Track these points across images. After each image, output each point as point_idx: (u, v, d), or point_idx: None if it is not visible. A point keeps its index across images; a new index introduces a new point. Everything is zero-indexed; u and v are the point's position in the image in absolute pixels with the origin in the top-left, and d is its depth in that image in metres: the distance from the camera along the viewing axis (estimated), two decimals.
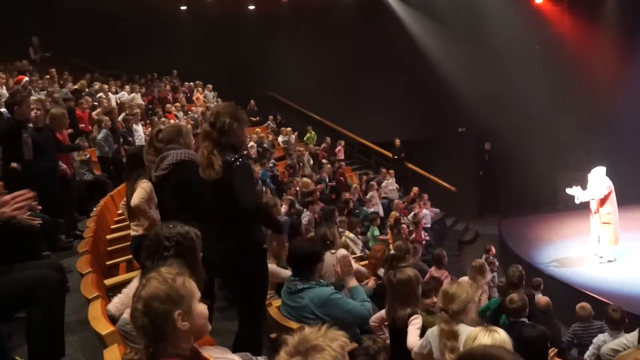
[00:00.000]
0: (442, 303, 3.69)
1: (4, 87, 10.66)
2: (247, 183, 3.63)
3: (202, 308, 2.07)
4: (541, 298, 7.85)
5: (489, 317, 6.83)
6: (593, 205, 12.05)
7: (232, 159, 3.57)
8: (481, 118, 17.90)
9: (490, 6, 17.38)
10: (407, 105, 18.87)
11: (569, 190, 12.41)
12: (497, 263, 11.65)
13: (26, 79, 11.67)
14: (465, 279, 7.52)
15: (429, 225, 14.74)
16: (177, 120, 14.07)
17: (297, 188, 11.70)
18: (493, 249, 11.66)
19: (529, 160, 17.52)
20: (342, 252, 5.03)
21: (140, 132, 11.75)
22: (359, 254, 9.74)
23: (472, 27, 17.60)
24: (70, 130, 9.19)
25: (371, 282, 6.04)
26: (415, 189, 16.14)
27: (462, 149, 19.31)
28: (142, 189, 4.68)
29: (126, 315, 2.77)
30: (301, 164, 14.77)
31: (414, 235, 12.39)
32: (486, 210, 19.78)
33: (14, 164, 5.87)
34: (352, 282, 4.18)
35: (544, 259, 12.71)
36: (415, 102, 18.79)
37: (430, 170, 18.60)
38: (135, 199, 4.67)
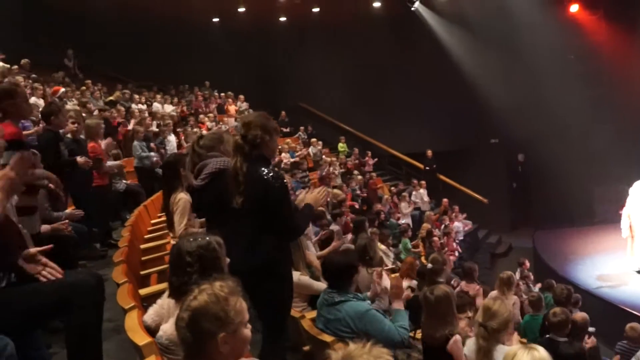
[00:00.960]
0: (483, 318, 3.59)
1: (41, 98, 10.84)
2: (289, 204, 3.62)
3: (247, 333, 2.03)
4: (578, 314, 7.64)
5: (525, 333, 6.69)
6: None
7: (270, 177, 3.51)
8: (514, 129, 17.59)
9: (524, 15, 17.09)
10: (438, 116, 18.73)
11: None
12: (532, 277, 11.44)
13: (62, 90, 11.88)
14: (494, 293, 7.40)
15: (460, 238, 14.59)
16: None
17: (328, 199, 11.64)
18: (527, 263, 11.45)
19: (564, 172, 17.15)
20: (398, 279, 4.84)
21: (173, 142, 11.85)
22: (390, 266, 9.63)
23: (506, 37, 17.34)
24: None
25: (406, 294, 5.95)
26: (445, 201, 16.00)
27: (494, 161, 19.06)
28: (181, 212, 4.71)
29: (162, 332, 2.75)
30: (332, 175, 14.73)
31: (445, 248, 12.26)
32: (519, 222, 19.44)
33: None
34: (399, 305, 4.14)
35: (580, 274, 12.40)
36: (447, 113, 18.63)
37: (462, 182, 18.42)
38: (179, 227, 4.72)
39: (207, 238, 2.77)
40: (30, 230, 4.01)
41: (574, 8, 18.69)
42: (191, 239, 2.77)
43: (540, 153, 17.51)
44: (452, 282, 8.03)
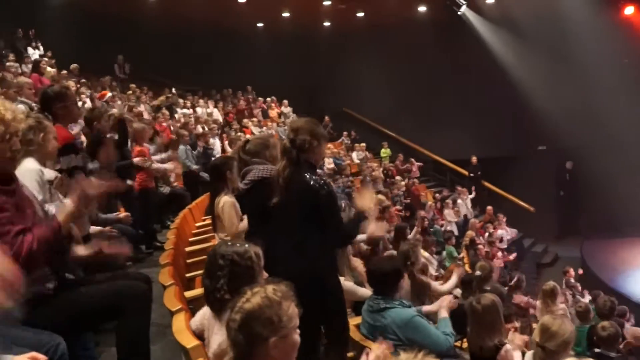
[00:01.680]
0: (541, 339, 3.46)
1: (88, 101, 11.07)
2: (337, 212, 3.58)
3: (297, 339, 2.02)
4: (631, 329, 7.40)
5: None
6: None
7: (315, 184, 3.47)
8: (563, 135, 17.18)
9: (575, 19, 16.64)
10: (484, 122, 18.48)
11: None
12: (579, 287, 11.15)
13: (109, 94, 12.11)
14: (538, 304, 7.23)
15: (505, 246, 14.34)
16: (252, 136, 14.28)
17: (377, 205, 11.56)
18: (571, 271, 11.17)
19: (614, 180, 16.63)
20: (449, 297, 4.70)
21: (217, 147, 11.97)
22: (434, 273, 9.52)
23: (555, 40, 16.94)
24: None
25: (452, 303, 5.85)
26: (489, 208, 15.76)
27: (541, 168, 18.62)
28: (230, 214, 4.73)
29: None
30: (375, 180, 14.66)
31: (490, 256, 12.05)
32: (567, 232, 18.94)
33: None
34: (444, 314, 4.12)
35: (631, 285, 12.02)
36: (493, 119, 18.36)
37: (508, 189, 18.11)
38: (232, 228, 4.74)
39: (246, 246, 2.70)
40: (81, 232, 4.08)
41: (629, 10, 18.12)
42: (229, 243, 2.72)
43: (590, 161, 17.02)
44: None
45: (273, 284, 2.04)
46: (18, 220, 2.59)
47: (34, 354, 2.11)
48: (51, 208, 3.44)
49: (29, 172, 3.44)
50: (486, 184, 18.17)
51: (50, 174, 3.78)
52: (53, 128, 3.90)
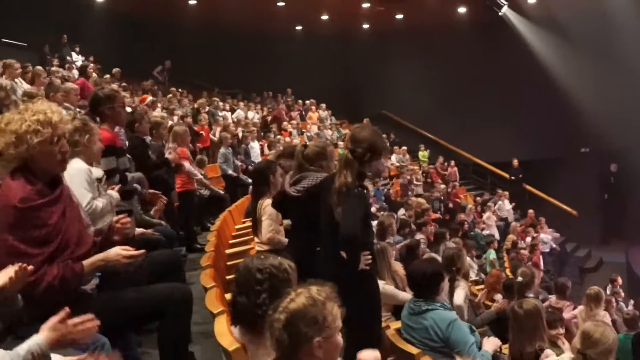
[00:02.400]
0: (582, 345, 3.38)
1: (129, 106, 11.25)
2: (353, 211, 3.47)
3: (339, 341, 2.02)
4: None
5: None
6: None
7: (349, 188, 3.47)
8: (607, 138, 16.75)
9: (620, 18, 16.22)
10: (525, 124, 18.19)
11: None
12: (622, 294, 10.89)
13: (150, 98, 12.30)
14: (581, 309, 7.08)
15: (547, 251, 14.10)
16: (291, 138, 14.34)
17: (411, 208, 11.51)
18: (619, 280, 10.90)
19: None
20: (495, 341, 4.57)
21: (256, 149, 12.06)
22: (474, 277, 9.42)
23: (599, 40, 16.54)
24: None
25: (495, 306, 5.78)
26: (531, 212, 15.51)
27: (585, 171, 18.19)
28: (269, 218, 4.74)
29: None
30: (414, 183, 14.58)
31: (532, 261, 11.85)
32: (611, 236, 18.49)
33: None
34: (488, 348, 3.95)
35: None
36: (534, 120, 18.04)
37: (550, 193, 17.81)
38: (265, 232, 4.75)
39: (279, 259, 2.60)
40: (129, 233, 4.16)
41: None
42: (261, 257, 2.62)
43: (635, 163, 16.56)
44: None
45: (317, 285, 2.04)
46: (59, 229, 2.65)
47: (84, 356, 2.17)
48: (99, 203, 3.54)
49: (78, 171, 3.52)
50: (527, 187, 17.87)
51: (97, 172, 3.87)
52: (98, 130, 3.98)
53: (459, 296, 5.30)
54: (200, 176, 8.11)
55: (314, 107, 18.88)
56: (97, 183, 3.71)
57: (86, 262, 2.73)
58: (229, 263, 5.89)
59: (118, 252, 2.83)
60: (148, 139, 6.90)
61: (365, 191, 3.68)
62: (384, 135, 18.49)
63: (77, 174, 3.47)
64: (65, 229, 2.69)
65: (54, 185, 2.77)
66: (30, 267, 2.40)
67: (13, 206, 2.55)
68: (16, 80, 8.44)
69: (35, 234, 2.57)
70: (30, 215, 2.58)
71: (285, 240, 4.66)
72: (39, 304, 2.56)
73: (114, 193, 3.92)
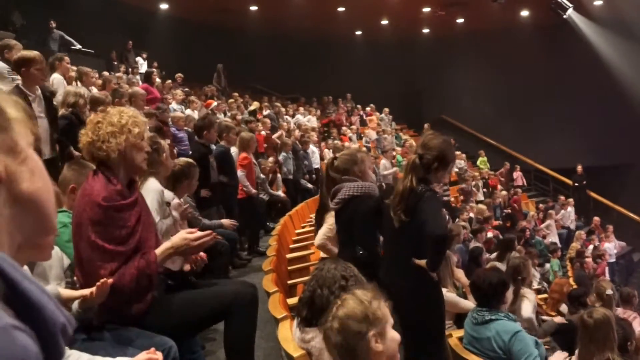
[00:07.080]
0: None
1: (195, 110, 11.52)
2: (438, 211, 3.54)
3: (395, 334, 2.05)
4: None
5: None
6: None
7: (422, 190, 3.50)
8: None
9: None
10: (590, 129, 17.71)
11: None
12: None
13: (215, 103, 12.50)
14: None
15: (613, 260, 13.66)
16: (350, 143, 14.34)
17: (471, 214, 11.36)
18: None
19: None
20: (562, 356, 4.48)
21: (316, 154, 12.13)
22: (536, 286, 9.21)
23: None
24: None
25: (558, 318, 5.68)
26: (596, 219, 15.06)
27: None
28: (328, 226, 4.77)
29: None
30: (475, 189, 14.37)
31: (597, 271, 11.52)
32: None
33: (204, 192, 6.28)
34: None
35: None
36: (599, 126, 17.55)
37: (616, 200, 17.25)
38: (318, 238, 4.74)
39: (349, 265, 2.60)
40: None
41: None
42: (332, 266, 2.57)
43: None
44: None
45: (359, 288, 2.13)
46: (136, 231, 2.74)
47: (152, 350, 2.21)
48: (163, 225, 3.66)
49: (153, 192, 3.61)
50: (592, 194, 17.36)
51: (168, 195, 4.00)
52: (166, 147, 4.12)
53: (527, 308, 5.20)
54: (250, 188, 7.90)
55: (372, 112, 18.84)
56: (167, 206, 3.81)
57: (157, 251, 2.78)
58: (290, 268, 5.97)
59: (184, 236, 2.83)
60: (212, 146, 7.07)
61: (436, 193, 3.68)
62: None
63: (152, 194, 3.56)
64: (140, 232, 2.77)
65: (131, 189, 2.86)
66: (110, 280, 2.51)
67: (97, 204, 2.62)
68: (90, 88, 8.76)
69: (115, 233, 2.65)
70: (112, 215, 2.66)
71: (336, 250, 4.55)
72: (111, 308, 2.68)
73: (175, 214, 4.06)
